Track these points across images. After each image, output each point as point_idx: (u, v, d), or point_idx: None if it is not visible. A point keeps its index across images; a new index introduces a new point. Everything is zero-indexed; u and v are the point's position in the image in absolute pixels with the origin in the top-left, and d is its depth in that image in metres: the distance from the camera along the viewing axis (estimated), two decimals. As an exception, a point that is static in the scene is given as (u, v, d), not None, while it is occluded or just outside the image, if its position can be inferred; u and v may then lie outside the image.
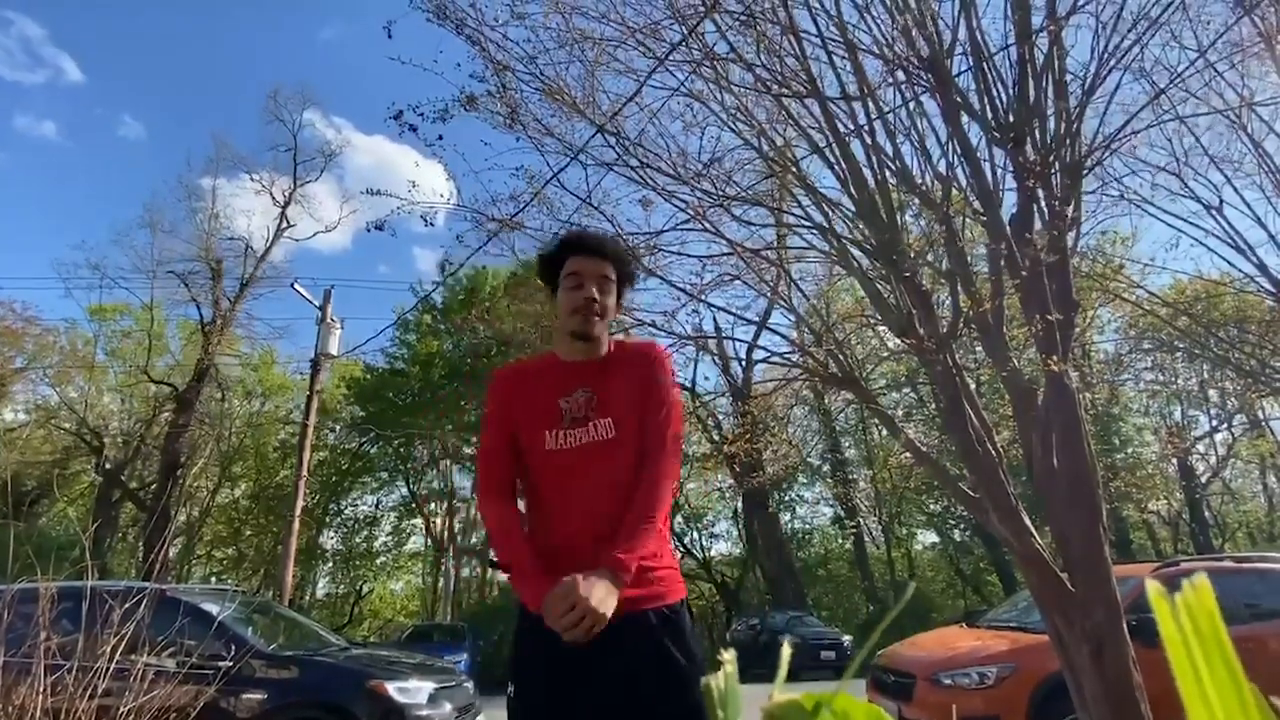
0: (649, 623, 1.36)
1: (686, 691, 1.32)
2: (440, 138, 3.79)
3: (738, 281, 4.85)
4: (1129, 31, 3.47)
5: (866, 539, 22.55)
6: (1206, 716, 0.15)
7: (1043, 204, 3.40)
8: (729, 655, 0.26)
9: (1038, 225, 3.41)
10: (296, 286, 12.94)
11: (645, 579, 1.38)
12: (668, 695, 1.32)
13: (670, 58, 3.64)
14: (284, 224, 19.29)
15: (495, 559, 1.48)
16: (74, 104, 42.26)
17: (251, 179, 19.48)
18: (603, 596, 1.23)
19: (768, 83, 3.60)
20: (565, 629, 1.22)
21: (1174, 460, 17.33)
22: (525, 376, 1.56)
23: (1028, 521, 3.25)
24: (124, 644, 3.00)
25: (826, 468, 21.54)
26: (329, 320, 12.58)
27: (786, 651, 0.23)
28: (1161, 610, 0.16)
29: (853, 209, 3.73)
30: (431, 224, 4.41)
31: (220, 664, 3.74)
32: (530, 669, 1.38)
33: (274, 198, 19.40)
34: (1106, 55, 3.47)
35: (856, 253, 3.84)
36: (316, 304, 12.76)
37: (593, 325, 1.48)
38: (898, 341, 4.10)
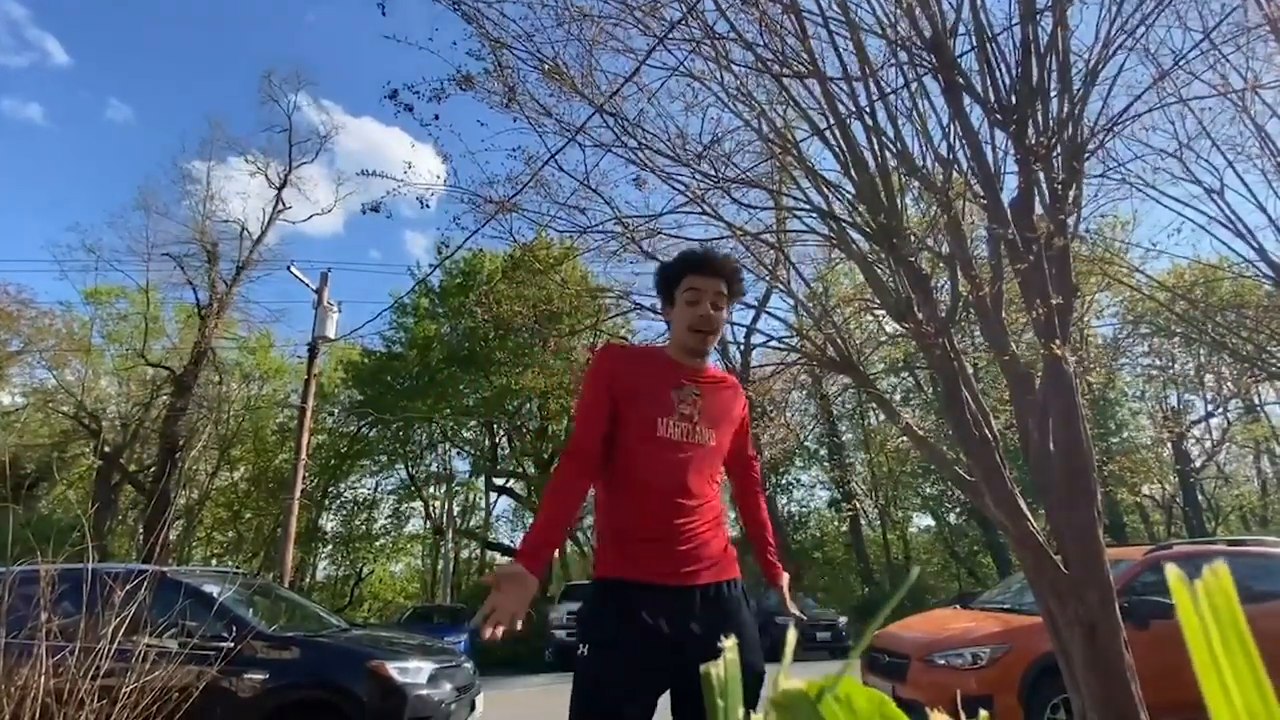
0: (733, 591, 1.62)
1: (753, 646, 1.57)
2: (436, 118, 3.75)
3: (736, 265, 4.82)
4: (1134, 12, 3.42)
5: (862, 522, 22.70)
6: (1224, 701, 0.15)
7: (1044, 187, 3.38)
8: (730, 643, 0.25)
9: (1038, 209, 3.39)
10: (293, 269, 12.87)
11: (729, 560, 1.65)
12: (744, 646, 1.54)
13: (669, 36, 3.59)
14: (280, 206, 19.15)
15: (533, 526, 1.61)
16: (61, 87, 41.68)
17: (246, 160, 19.32)
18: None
19: (768, 62, 3.56)
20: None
21: (1169, 444, 17.43)
22: (636, 359, 1.73)
23: (1023, 505, 3.27)
24: (125, 625, 3.02)
25: (823, 451, 21.63)
26: (326, 303, 12.52)
27: (792, 637, 0.23)
28: (1181, 596, 0.16)
29: (853, 192, 3.70)
30: (427, 206, 4.38)
31: (221, 645, 3.77)
32: (616, 630, 1.51)
33: (269, 179, 19.25)
34: (1111, 36, 3.43)
35: (856, 236, 3.82)
36: (313, 287, 12.69)
37: (707, 342, 1.68)
38: (896, 326, 4.10)
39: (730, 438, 1.73)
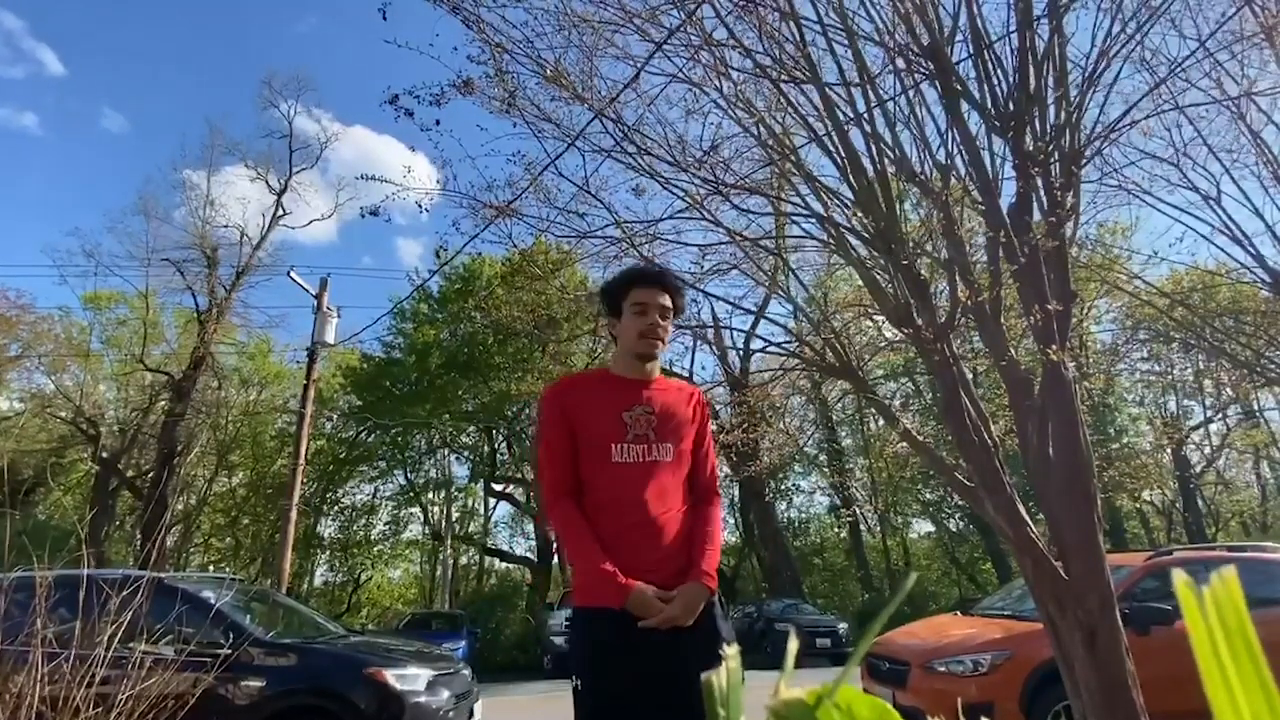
0: (707, 605, 1.63)
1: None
2: (438, 122, 3.76)
3: (735, 270, 4.84)
4: (1130, 20, 3.44)
5: (862, 528, 22.67)
6: (1230, 709, 0.15)
7: (1042, 193, 3.38)
8: (731, 650, 0.25)
9: (1036, 215, 3.40)
10: (293, 275, 12.86)
11: (675, 575, 1.63)
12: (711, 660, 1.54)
13: (668, 43, 3.60)
14: (280, 212, 19.18)
15: (567, 555, 1.71)
16: (56, 96, 41.75)
17: (246, 166, 19.35)
18: (687, 607, 1.55)
19: (767, 69, 3.57)
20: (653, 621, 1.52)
21: (1168, 450, 17.42)
22: (583, 389, 1.74)
23: (1023, 510, 3.26)
24: (121, 632, 3.00)
25: (823, 457, 21.60)
26: (325, 309, 12.52)
27: (793, 645, 0.23)
28: (1188, 603, 0.16)
29: (851, 198, 3.71)
30: (426, 210, 4.39)
31: (218, 651, 3.75)
32: (605, 658, 1.57)
33: (269, 185, 19.28)
34: (1108, 43, 3.44)
35: (855, 242, 3.83)
36: (313, 292, 12.69)
37: (656, 348, 1.72)
38: (895, 331, 4.10)
39: (689, 445, 1.73)
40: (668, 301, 1.74)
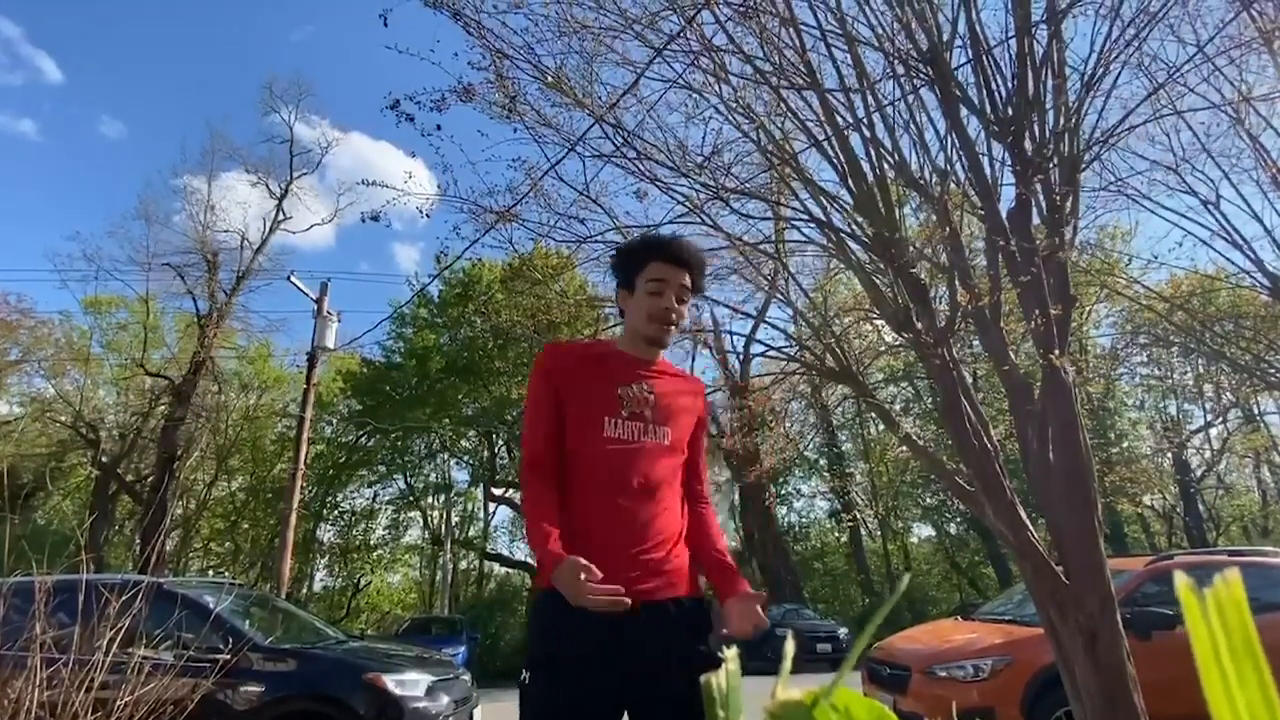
0: (691, 609, 1.46)
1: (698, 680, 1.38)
2: (439, 127, 3.77)
3: (735, 275, 4.84)
4: (1128, 25, 3.45)
5: (863, 532, 22.62)
6: (1229, 711, 0.15)
7: (1041, 198, 3.39)
8: (731, 652, 0.25)
9: (1035, 219, 3.41)
10: (293, 279, 12.87)
11: (688, 573, 1.49)
12: (690, 682, 1.31)
13: (668, 49, 3.61)
14: (280, 216, 19.21)
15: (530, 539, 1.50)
16: (54, 103, 41.84)
17: (247, 171, 19.41)
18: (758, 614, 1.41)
19: (767, 75, 3.58)
20: (593, 602, 1.27)
21: (1169, 454, 17.41)
22: (580, 358, 1.58)
23: (1023, 515, 3.25)
24: (121, 637, 2.99)
25: (823, 461, 21.59)
26: (325, 313, 12.53)
27: (790, 647, 0.23)
28: (1190, 604, 0.16)
29: (851, 202, 3.72)
30: (427, 216, 4.40)
31: (217, 657, 3.74)
32: (559, 651, 1.38)
33: (270, 190, 19.33)
34: (1107, 49, 3.45)
35: (854, 246, 3.83)
36: (313, 297, 12.70)
37: (668, 335, 1.56)
38: (895, 335, 4.10)
39: (686, 437, 1.58)
40: (688, 281, 1.56)
